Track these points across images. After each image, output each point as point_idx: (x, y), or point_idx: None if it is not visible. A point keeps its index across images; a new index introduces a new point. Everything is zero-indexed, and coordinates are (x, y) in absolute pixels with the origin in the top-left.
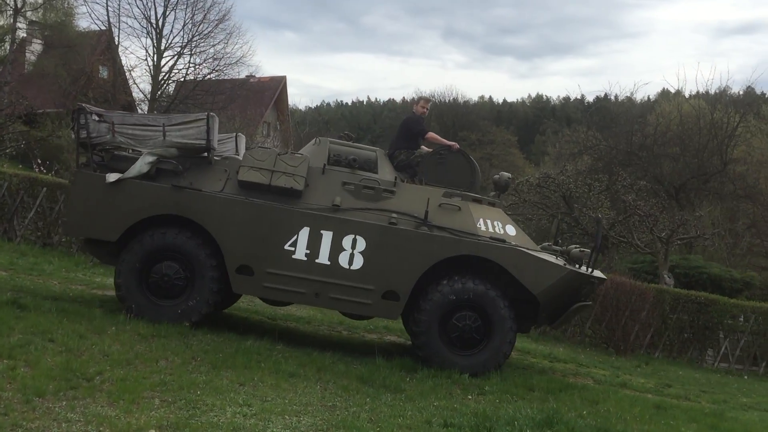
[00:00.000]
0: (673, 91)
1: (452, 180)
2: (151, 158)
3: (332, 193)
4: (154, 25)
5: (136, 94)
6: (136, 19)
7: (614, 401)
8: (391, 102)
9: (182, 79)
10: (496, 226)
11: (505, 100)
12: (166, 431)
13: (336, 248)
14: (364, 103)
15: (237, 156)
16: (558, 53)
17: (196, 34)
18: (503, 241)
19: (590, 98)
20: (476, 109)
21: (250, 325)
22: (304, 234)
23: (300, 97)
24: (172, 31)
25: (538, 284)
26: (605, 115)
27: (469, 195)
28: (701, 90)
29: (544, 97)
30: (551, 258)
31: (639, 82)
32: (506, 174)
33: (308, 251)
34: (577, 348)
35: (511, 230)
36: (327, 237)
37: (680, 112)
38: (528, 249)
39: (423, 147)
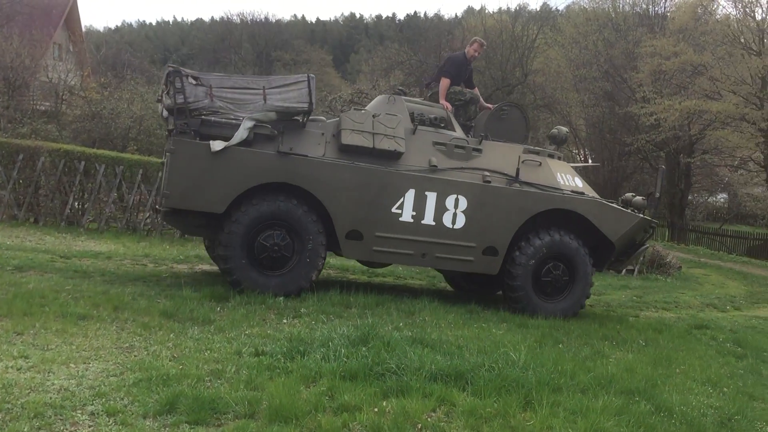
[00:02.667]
0: (477, 8)
1: (511, 134)
2: (250, 123)
3: (426, 153)
4: None
5: None
6: None
7: (430, 310)
8: (199, 21)
9: None
10: (569, 179)
11: (318, 19)
12: None
13: (440, 208)
14: (170, 23)
15: (321, 118)
16: None
17: None
18: (582, 193)
19: (401, 16)
20: (289, 29)
21: (36, 265)
22: (410, 196)
23: (96, 16)
24: None
25: (615, 232)
26: (416, 32)
27: (545, 150)
28: (503, 7)
29: (358, 15)
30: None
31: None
32: (564, 129)
33: (414, 213)
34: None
35: (579, 182)
36: (431, 198)
37: (485, 27)
38: (603, 200)
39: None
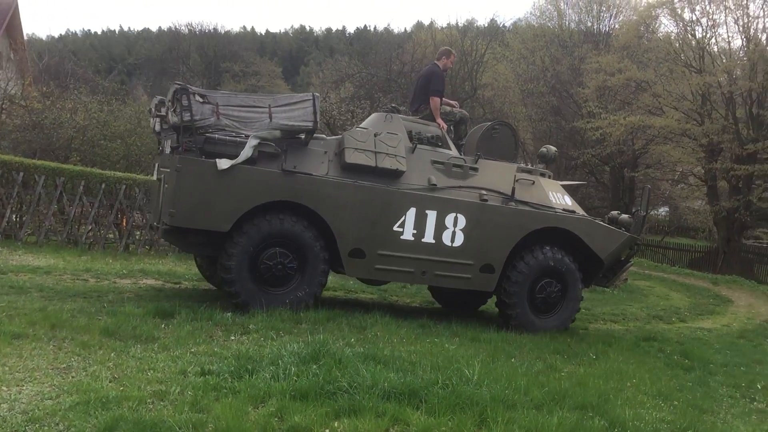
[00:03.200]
0: (427, 23)
1: (501, 152)
2: (255, 141)
3: (425, 172)
4: None
5: None
6: None
7: (382, 325)
8: (146, 31)
9: None
10: (560, 197)
11: (268, 31)
12: None
13: (440, 227)
14: (116, 32)
15: (324, 136)
16: None
17: None
18: (573, 211)
19: (351, 29)
20: (238, 40)
21: None
22: (411, 215)
23: (39, 24)
24: None
25: (604, 249)
26: (366, 45)
27: (537, 169)
28: (452, 22)
29: (308, 27)
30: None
31: (396, 14)
32: (552, 148)
33: (415, 231)
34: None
35: (568, 200)
36: (432, 216)
37: (434, 41)
38: (593, 218)
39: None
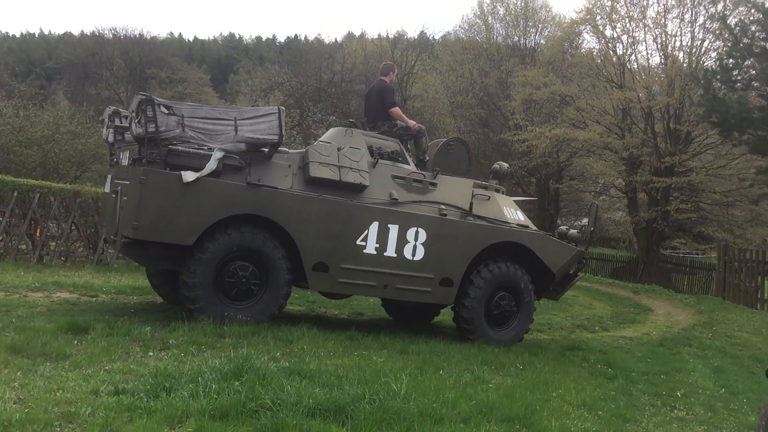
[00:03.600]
0: (357, 33)
1: (456, 168)
2: (220, 154)
3: (386, 186)
4: None
5: None
6: None
7: (309, 338)
8: (68, 35)
9: None
10: (513, 212)
11: (196, 38)
12: None
13: (402, 241)
14: (36, 35)
15: (287, 149)
16: None
17: None
18: (526, 226)
19: (282, 38)
20: (165, 46)
21: None
22: (374, 229)
23: None
24: None
25: (556, 263)
26: (296, 54)
27: (492, 185)
28: (382, 33)
29: (237, 35)
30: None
31: (327, 24)
32: (505, 164)
33: (377, 245)
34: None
35: (521, 215)
36: (394, 230)
37: (365, 52)
38: (545, 233)
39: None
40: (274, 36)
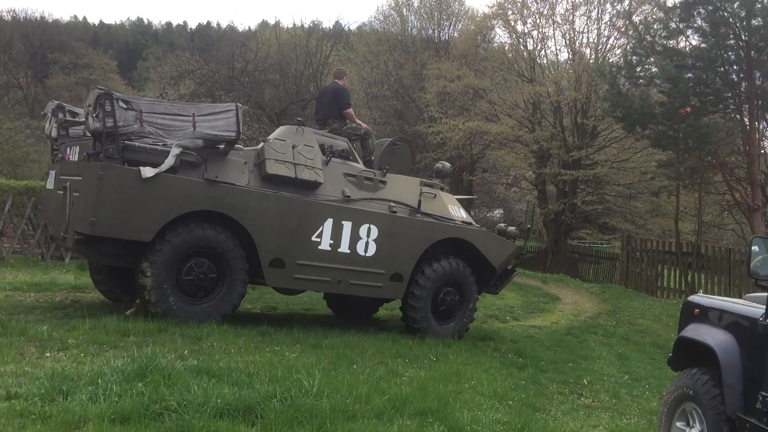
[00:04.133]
0: (272, 22)
1: (400, 167)
2: (177, 150)
3: (339, 184)
4: None
5: None
6: None
7: (219, 334)
8: None
9: None
10: (457, 210)
11: (102, 22)
12: None
13: (355, 237)
14: None
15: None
16: None
17: None
18: (470, 223)
19: (193, 24)
20: (68, 30)
21: None
22: (328, 225)
23: None
24: None
25: (497, 259)
26: (208, 41)
27: (437, 184)
28: (297, 22)
29: (146, 20)
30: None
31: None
32: (447, 164)
33: (332, 241)
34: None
35: (463, 213)
36: (347, 227)
37: (279, 41)
38: (487, 230)
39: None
40: (185, 22)
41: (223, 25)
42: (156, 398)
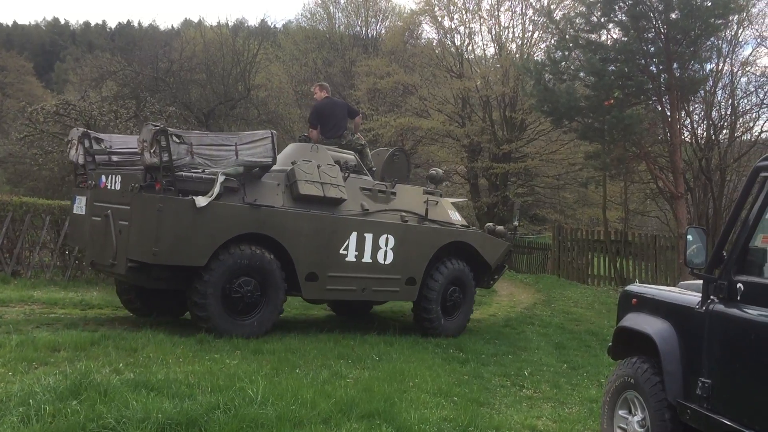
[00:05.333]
0: (195, 20)
1: (399, 175)
2: (222, 178)
3: (357, 198)
4: None
5: None
6: None
7: (155, 345)
8: None
9: None
10: (454, 214)
11: (16, 23)
12: None
13: (375, 247)
14: None
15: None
16: None
17: None
18: (467, 226)
19: (113, 24)
20: None
21: None
22: (353, 238)
23: None
24: None
25: (492, 257)
26: (129, 41)
27: (438, 191)
28: (222, 20)
29: (63, 20)
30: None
31: (162, 10)
32: (440, 171)
33: (356, 253)
34: (114, 289)
35: (458, 216)
36: (369, 238)
37: (204, 40)
38: (482, 231)
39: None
40: (104, 22)
41: (145, 24)
42: (92, 417)
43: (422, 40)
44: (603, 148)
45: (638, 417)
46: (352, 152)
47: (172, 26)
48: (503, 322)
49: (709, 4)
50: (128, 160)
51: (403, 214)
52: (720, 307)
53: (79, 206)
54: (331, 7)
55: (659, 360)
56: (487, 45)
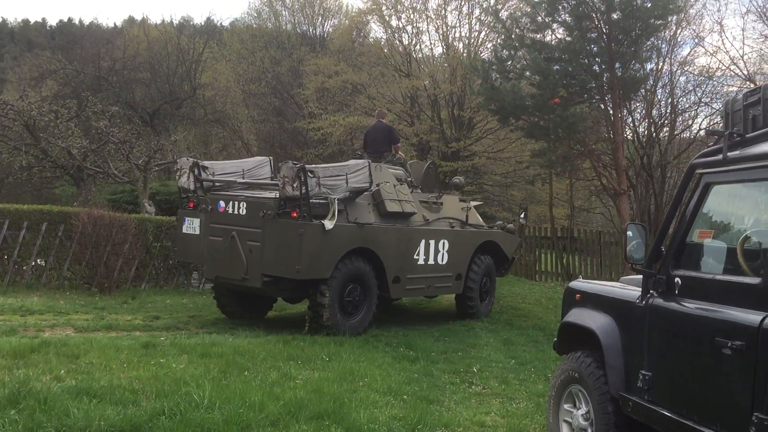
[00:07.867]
0: (139, 18)
1: (432, 186)
2: (336, 203)
3: (419, 210)
4: None
5: None
6: None
7: (98, 350)
8: None
9: None
10: (478, 217)
11: None
12: None
13: (436, 251)
14: None
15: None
16: None
17: None
18: (492, 227)
19: (53, 21)
20: None
21: None
22: (422, 245)
23: None
24: None
25: (509, 251)
26: (70, 39)
27: (467, 198)
28: (167, 19)
29: (0, 18)
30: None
31: (104, 8)
32: (462, 178)
33: (425, 257)
34: (55, 294)
35: (479, 217)
36: (432, 244)
37: (148, 38)
38: (500, 230)
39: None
40: (43, 19)
41: (86, 22)
42: (32, 426)
43: (370, 39)
44: (549, 146)
45: (582, 410)
46: (400, 168)
47: (115, 24)
48: (453, 319)
49: (649, 5)
50: (227, 185)
51: (451, 221)
52: (659, 301)
53: (191, 226)
54: (277, 5)
55: (602, 354)
56: (434, 44)
